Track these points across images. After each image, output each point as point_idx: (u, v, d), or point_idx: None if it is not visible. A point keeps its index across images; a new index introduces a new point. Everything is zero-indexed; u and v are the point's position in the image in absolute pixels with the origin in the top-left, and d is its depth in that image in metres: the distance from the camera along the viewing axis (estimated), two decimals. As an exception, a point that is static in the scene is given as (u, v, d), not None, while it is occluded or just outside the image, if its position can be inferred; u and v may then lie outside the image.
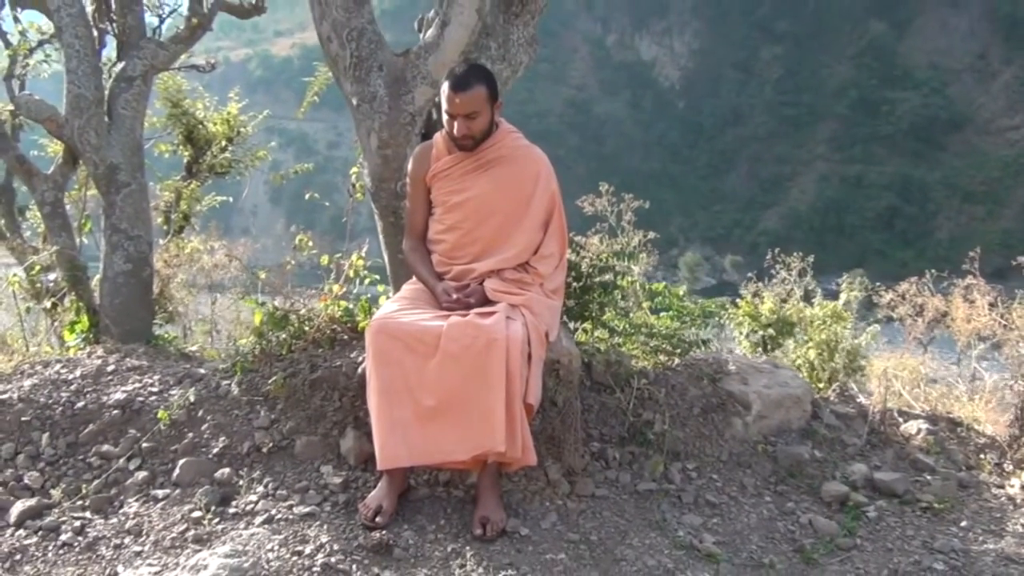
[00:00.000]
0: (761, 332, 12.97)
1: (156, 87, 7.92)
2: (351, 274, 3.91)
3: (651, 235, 5.26)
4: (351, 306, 4.02)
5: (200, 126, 8.22)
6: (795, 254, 6.04)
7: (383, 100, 3.95)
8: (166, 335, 5.53)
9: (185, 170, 8.58)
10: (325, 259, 4.07)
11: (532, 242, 3.44)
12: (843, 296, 15.04)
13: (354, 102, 4.01)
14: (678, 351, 3.99)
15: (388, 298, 4.21)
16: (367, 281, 4.31)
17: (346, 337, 3.92)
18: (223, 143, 8.63)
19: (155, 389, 3.83)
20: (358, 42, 3.96)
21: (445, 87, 3.31)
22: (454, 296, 3.29)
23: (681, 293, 4.40)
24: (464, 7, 3.82)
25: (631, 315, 4.21)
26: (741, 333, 7.65)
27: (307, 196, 4.96)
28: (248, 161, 9.09)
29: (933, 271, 5.67)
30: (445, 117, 3.34)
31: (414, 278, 3.57)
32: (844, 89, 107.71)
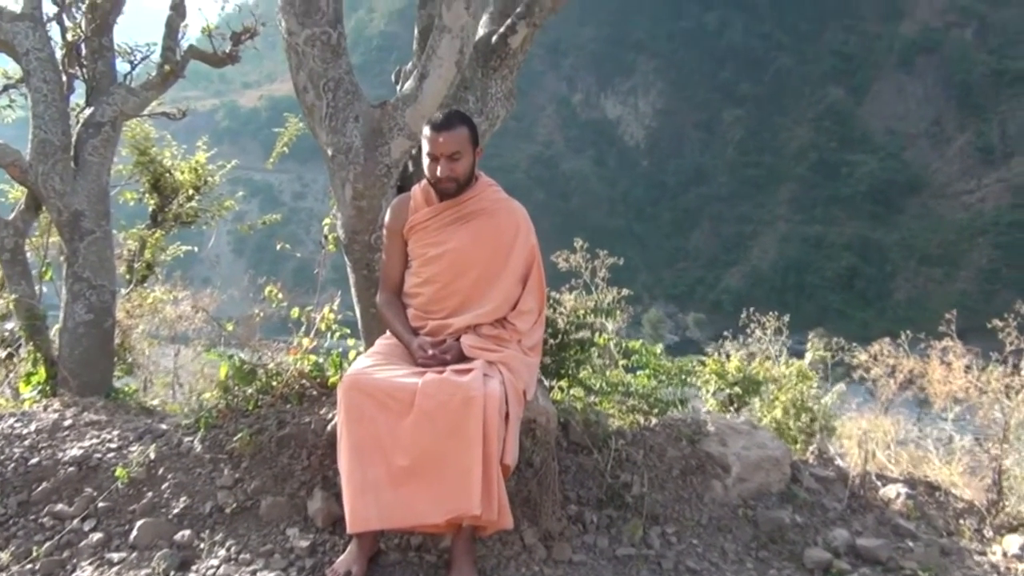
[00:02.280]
0: (728, 390, 12.95)
1: (124, 134, 7.82)
2: (322, 327, 3.80)
3: (625, 292, 5.22)
4: (321, 360, 3.91)
5: (167, 174, 8.11)
6: (771, 314, 6.01)
7: (359, 151, 3.89)
8: (126, 388, 5.35)
9: (150, 218, 8.45)
10: (296, 312, 3.97)
11: (510, 297, 3.37)
12: (808, 355, 15.08)
13: (329, 152, 3.95)
14: (655, 411, 3.92)
15: (359, 353, 4.11)
16: (337, 335, 4.20)
17: (315, 393, 3.81)
18: (190, 192, 8.52)
19: (114, 445, 3.67)
20: (335, 92, 3.91)
21: (427, 130, 3.26)
22: (430, 352, 3.20)
23: (658, 351, 4.34)
24: (444, 60, 3.79)
25: (607, 373, 4.13)
26: (708, 391, 7.62)
27: (278, 246, 4.85)
28: (215, 211, 8.99)
29: (909, 332, 5.67)
30: (427, 161, 3.28)
31: (388, 333, 3.48)
32: (804, 151, 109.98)
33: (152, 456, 3.53)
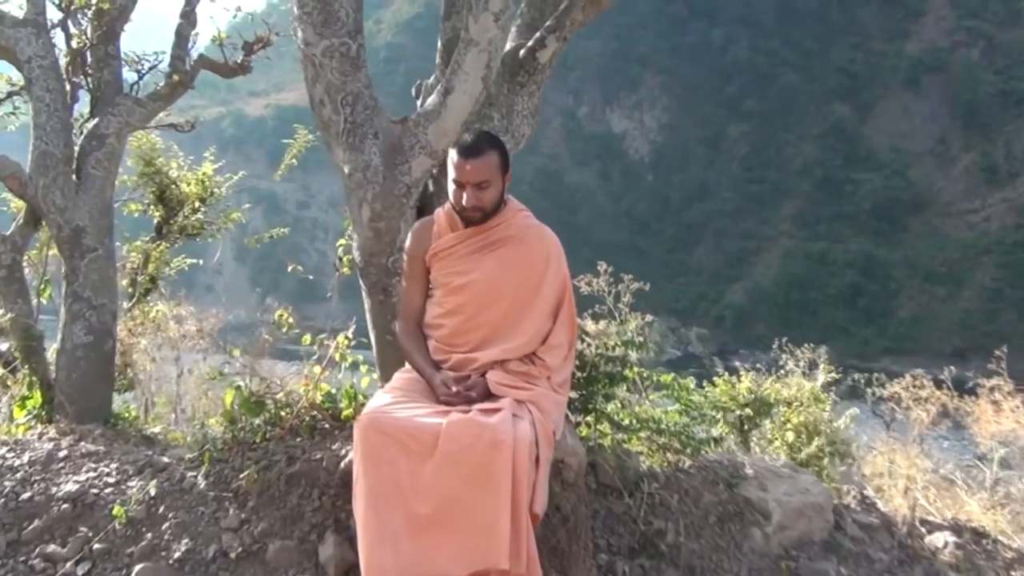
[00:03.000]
0: (739, 412, 12.68)
1: (129, 144, 7.62)
2: (336, 356, 3.57)
3: (649, 318, 4.98)
4: (334, 391, 3.69)
5: (173, 186, 7.89)
6: (806, 345, 5.77)
7: (377, 169, 3.67)
8: (126, 410, 5.12)
9: (155, 231, 8.22)
10: (307, 339, 3.74)
11: (540, 331, 3.14)
12: (820, 376, 14.81)
13: (346, 170, 3.73)
14: (688, 450, 3.69)
15: (373, 381, 3.88)
16: (349, 361, 3.97)
17: (328, 426, 3.58)
18: (196, 204, 8.31)
19: (111, 480, 3.44)
20: (353, 107, 3.69)
21: (453, 154, 3.04)
22: (454, 388, 2.97)
23: (691, 385, 4.11)
24: (470, 75, 3.57)
25: (635, 407, 3.90)
26: (718, 413, 7.37)
27: (289, 268, 4.62)
28: (220, 223, 8.77)
29: (952, 368, 5.43)
30: (452, 187, 3.06)
31: (407, 365, 3.25)
32: (809, 168, 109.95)
33: (152, 493, 3.30)
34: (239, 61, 5.19)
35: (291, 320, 3.89)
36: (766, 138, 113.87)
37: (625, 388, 3.73)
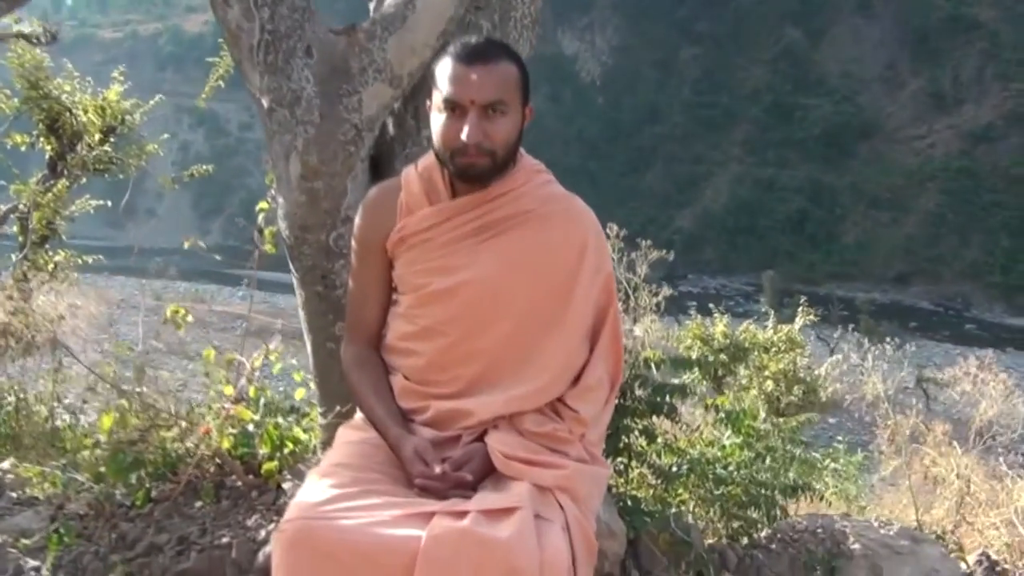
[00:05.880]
0: (712, 358, 11.68)
1: (7, 61, 6.23)
2: (252, 391, 2.41)
3: (668, 291, 3.85)
4: (251, 427, 2.53)
5: (67, 114, 6.52)
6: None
7: (311, 103, 2.47)
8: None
9: (48, 168, 6.88)
10: (209, 354, 2.56)
11: (571, 365, 2.01)
12: (798, 320, 13.90)
13: (265, 104, 2.52)
14: (764, 508, 2.61)
15: (312, 394, 2.75)
16: (276, 367, 2.82)
17: (240, 485, 2.43)
18: (99, 136, 6.96)
19: None
20: (272, 8, 2.46)
21: (446, 63, 1.90)
22: (436, 468, 1.84)
23: (759, 413, 3.02)
24: (450, -41, 2.36)
25: (679, 440, 2.82)
26: (691, 356, 6.36)
27: (185, 244, 3.37)
28: (133, 157, 7.44)
29: (1011, 348, 4.49)
30: (440, 119, 1.89)
31: (358, 415, 2.10)
32: (760, 93, 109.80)
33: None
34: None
35: (188, 318, 2.71)
36: (717, 62, 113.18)
37: (674, 420, 2.65)
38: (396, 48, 2.47)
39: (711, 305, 13.29)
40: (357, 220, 2.11)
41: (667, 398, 2.49)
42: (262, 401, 2.46)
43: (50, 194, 6.32)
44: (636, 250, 3.67)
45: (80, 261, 6.95)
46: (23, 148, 6.61)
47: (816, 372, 12.42)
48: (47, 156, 6.65)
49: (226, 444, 2.44)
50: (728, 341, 12.81)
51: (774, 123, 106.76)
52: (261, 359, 2.45)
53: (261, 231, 2.81)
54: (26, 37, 4.32)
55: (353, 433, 2.03)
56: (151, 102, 7.61)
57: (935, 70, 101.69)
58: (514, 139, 1.94)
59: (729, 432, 2.79)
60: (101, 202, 7.21)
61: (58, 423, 3.60)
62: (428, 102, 1.96)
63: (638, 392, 2.55)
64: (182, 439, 2.45)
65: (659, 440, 2.62)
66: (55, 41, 4.44)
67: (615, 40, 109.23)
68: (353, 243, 2.13)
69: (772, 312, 13.88)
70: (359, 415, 2.09)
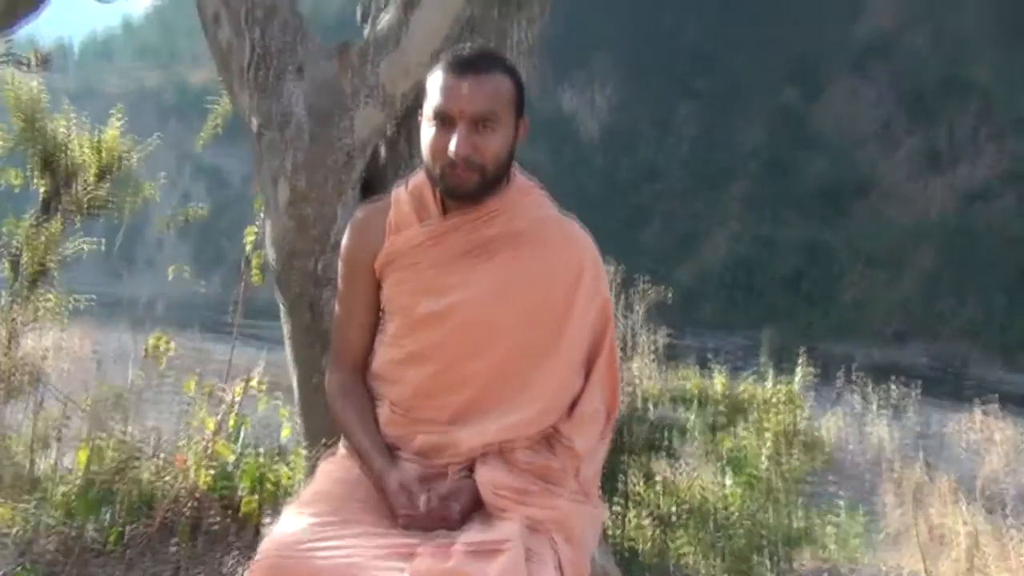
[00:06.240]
0: (712, 410, 11.55)
1: (5, 96, 6.21)
2: (231, 422, 2.30)
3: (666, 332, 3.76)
4: (230, 464, 2.41)
5: (63, 151, 6.48)
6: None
7: (302, 125, 2.40)
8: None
9: (41, 207, 6.83)
10: (190, 385, 2.45)
11: (565, 393, 1.91)
12: (798, 375, 13.84)
13: (254, 126, 2.45)
14: (768, 557, 2.48)
15: (297, 433, 2.65)
16: (261, 404, 2.70)
17: (218, 526, 2.30)
18: (95, 175, 6.91)
19: None
20: (265, 27, 2.41)
21: (438, 74, 1.85)
22: (422, 502, 1.73)
23: (764, 460, 2.91)
24: (446, -21, 2.31)
25: (680, 483, 2.69)
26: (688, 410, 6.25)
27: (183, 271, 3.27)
28: (129, 198, 7.40)
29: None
30: (429, 132, 1.82)
31: (341, 445, 1.99)
32: (757, 150, 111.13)
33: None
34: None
35: (170, 346, 2.61)
36: (715, 120, 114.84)
37: (671, 456, 2.53)
38: (389, 70, 2.41)
39: (709, 356, 13.19)
40: (344, 240, 2.02)
41: (666, 436, 2.38)
42: (243, 434, 2.34)
43: (43, 233, 6.25)
44: (634, 288, 3.60)
45: (72, 303, 6.86)
46: (16, 188, 6.56)
47: (817, 430, 12.25)
48: (41, 195, 6.59)
49: (204, 481, 2.32)
50: (726, 397, 12.68)
51: (771, 180, 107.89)
52: (243, 389, 2.33)
53: (248, 260, 2.71)
54: (17, 61, 4.27)
55: (335, 464, 1.92)
56: (149, 143, 7.59)
57: (930, 129, 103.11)
58: (506, 154, 1.87)
59: (731, 476, 2.67)
60: (95, 243, 7.15)
61: (38, 463, 3.48)
62: (419, 114, 1.89)
63: (636, 430, 2.43)
64: (159, 475, 2.33)
65: (657, 482, 2.50)
66: (47, 66, 4.40)
67: (614, 98, 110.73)
68: (340, 264, 2.04)
69: (771, 368, 13.78)
70: (342, 446, 1.97)
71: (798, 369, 13.68)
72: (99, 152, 6.54)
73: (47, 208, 6.62)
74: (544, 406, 1.88)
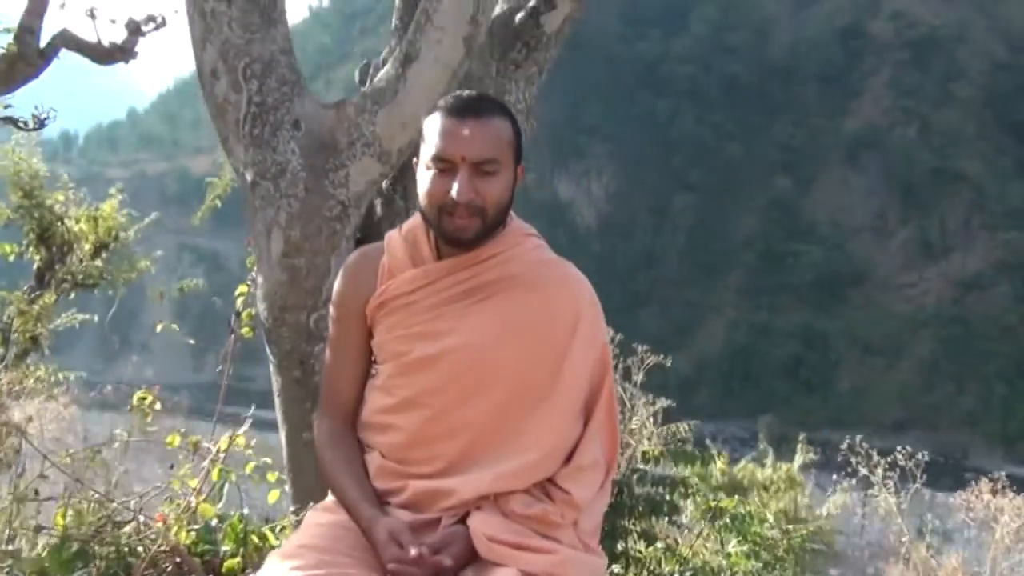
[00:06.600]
0: (711, 495, 11.30)
1: (4, 170, 6.25)
2: (215, 475, 2.22)
3: (665, 402, 3.69)
4: (214, 522, 2.32)
5: (59, 224, 6.49)
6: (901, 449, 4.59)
7: (297, 176, 2.38)
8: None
9: (35, 278, 6.80)
10: (174, 439, 2.38)
11: (563, 441, 1.83)
12: (798, 458, 13.63)
13: (248, 177, 2.43)
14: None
15: (287, 494, 2.55)
16: (249, 466, 2.62)
17: (198, 586, 2.20)
18: (91, 248, 6.91)
19: None
20: (261, 81, 2.41)
21: (436, 118, 1.79)
22: (412, 551, 1.64)
23: (767, 517, 2.82)
24: (445, 32, 2.32)
25: (681, 544, 2.60)
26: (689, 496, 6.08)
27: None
28: (124, 273, 7.38)
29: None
30: (428, 176, 1.78)
31: (330, 495, 1.91)
32: (752, 240, 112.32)
33: None
34: (120, 44, 3.87)
35: (156, 404, 2.54)
36: (711, 209, 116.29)
37: (670, 520, 2.45)
38: (386, 122, 2.40)
39: (708, 441, 13.03)
40: (336, 285, 1.97)
41: (667, 495, 2.30)
42: (226, 488, 2.26)
43: (35, 304, 6.20)
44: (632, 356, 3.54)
45: (62, 377, 6.77)
46: (11, 258, 6.54)
47: (818, 513, 12.04)
48: (35, 266, 6.57)
49: (185, 539, 2.23)
50: (726, 479, 12.48)
51: (767, 269, 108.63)
52: (228, 443, 2.26)
53: (239, 314, 2.66)
54: (14, 122, 4.29)
55: (322, 515, 1.83)
56: (148, 221, 7.62)
57: (923, 219, 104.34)
58: (506, 200, 1.84)
59: (735, 539, 2.57)
60: (87, 317, 7.10)
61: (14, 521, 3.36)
62: (415, 160, 1.87)
63: (637, 491, 2.35)
64: (138, 534, 2.24)
65: (659, 544, 2.41)
66: (43, 127, 4.42)
67: (611, 187, 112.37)
68: (331, 310, 1.99)
69: (770, 450, 13.61)
70: (330, 497, 1.89)
71: (798, 454, 13.50)
72: (96, 224, 6.54)
73: (41, 280, 6.59)
74: (541, 454, 1.78)
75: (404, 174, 2.53)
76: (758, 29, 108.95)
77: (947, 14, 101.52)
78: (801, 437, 13.96)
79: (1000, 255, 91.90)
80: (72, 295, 7.21)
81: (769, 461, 12.88)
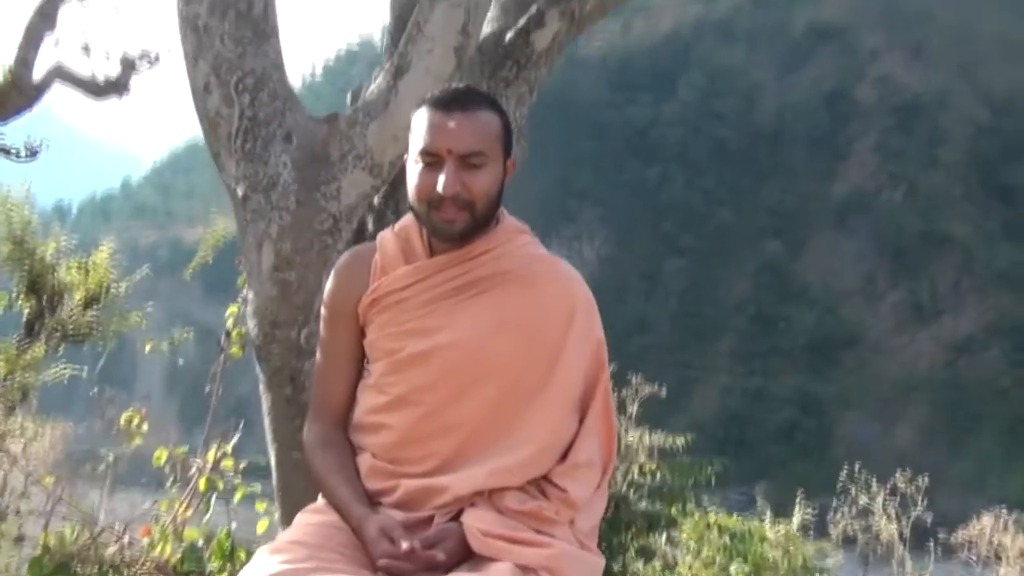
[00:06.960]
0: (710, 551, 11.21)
1: (-5, 217, 6.24)
2: (202, 484, 2.16)
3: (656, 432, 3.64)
4: (200, 542, 2.25)
5: (49, 274, 6.45)
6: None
7: (288, 189, 2.38)
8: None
9: (24, 329, 6.74)
10: (161, 455, 2.32)
11: (558, 438, 1.80)
12: (796, 517, 13.52)
13: (239, 192, 2.42)
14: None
15: (276, 524, 2.48)
16: (238, 494, 2.56)
17: (182, 604, 2.13)
18: (82, 300, 6.87)
19: None
20: (253, 95, 2.42)
21: (424, 112, 1.80)
22: (403, 545, 1.59)
23: (767, 534, 2.75)
24: (436, 44, 2.34)
25: (677, 560, 2.52)
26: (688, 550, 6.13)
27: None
28: (115, 326, 7.34)
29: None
30: (415, 171, 1.78)
31: (321, 499, 1.86)
32: (744, 304, 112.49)
33: None
34: (113, 78, 3.89)
35: (144, 426, 2.49)
36: (702, 274, 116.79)
37: (667, 538, 2.37)
38: (377, 134, 2.40)
39: (705, 498, 12.87)
40: (328, 285, 1.95)
41: (665, 507, 2.24)
42: (213, 499, 2.19)
43: (32, 352, 6.15)
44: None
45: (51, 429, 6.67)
46: (0, 308, 6.50)
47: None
48: (25, 316, 6.52)
49: (171, 559, 2.15)
50: (728, 533, 12.33)
51: (759, 333, 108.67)
52: (216, 453, 2.20)
53: (228, 333, 2.62)
54: (6, 152, 4.28)
55: (313, 516, 1.79)
56: (139, 273, 7.61)
57: (912, 282, 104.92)
58: (495, 193, 1.83)
59: (736, 560, 2.49)
60: (76, 369, 7.02)
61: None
62: (405, 156, 1.86)
63: (634, 507, 2.29)
64: (122, 552, 2.17)
65: (656, 564, 2.34)
66: (35, 157, 4.41)
67: (603, 251, 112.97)
68: (323, 310, 1.96)
69: (768, 507, 13.47)
70: (321, 499, 1.84)
71: (795, 514, 13.35)
72: (87, 274, 6.52)
73: (31, 330, 6.53)
74: (537, 449, 1.74)
75: (396, 190, 2.52)
76: (745, 95, 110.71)
77: (931, 79, 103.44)
78: (800, 493, 13.80)
79: (991, 318, 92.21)
80: (61, 348, 7.14)
81: (767, 521, 12.73)
